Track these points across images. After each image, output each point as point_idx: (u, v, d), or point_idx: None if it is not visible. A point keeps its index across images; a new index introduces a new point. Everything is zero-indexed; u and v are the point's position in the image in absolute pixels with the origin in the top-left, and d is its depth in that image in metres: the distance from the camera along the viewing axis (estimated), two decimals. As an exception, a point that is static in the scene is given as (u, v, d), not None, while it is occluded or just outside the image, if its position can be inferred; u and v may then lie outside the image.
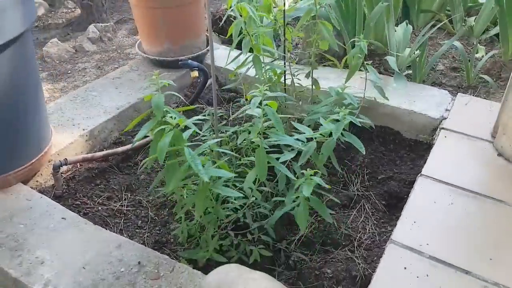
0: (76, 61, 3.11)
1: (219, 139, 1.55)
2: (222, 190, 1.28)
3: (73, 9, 4.05)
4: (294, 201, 1.46)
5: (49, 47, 3.17)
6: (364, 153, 1.55)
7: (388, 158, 2.04)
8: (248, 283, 1.02)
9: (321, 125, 1.90)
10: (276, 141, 1.46)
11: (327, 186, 1.45)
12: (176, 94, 1.40)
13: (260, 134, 1.42)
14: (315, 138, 1.59)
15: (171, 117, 1.21)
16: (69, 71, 2.95)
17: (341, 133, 1.51)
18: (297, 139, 1.50)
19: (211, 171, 1.22)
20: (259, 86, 1.39)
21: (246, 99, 2.15)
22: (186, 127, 1.30)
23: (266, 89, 1.33)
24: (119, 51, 3.27)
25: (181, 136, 1.17)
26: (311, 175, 1.35)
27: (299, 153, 1.68)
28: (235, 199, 1.51)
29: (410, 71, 2.37)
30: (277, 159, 1.46)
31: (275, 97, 1.40)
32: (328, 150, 1.54)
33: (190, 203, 1.33)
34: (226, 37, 2.33)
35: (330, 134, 1.58)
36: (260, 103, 1.34)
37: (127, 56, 3.16)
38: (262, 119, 1.34)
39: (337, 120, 1.55)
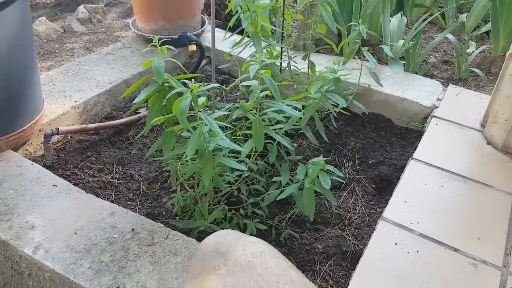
0: (64, 41, 3.05)
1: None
2: (225, 161, 1.28)
3: (63, -11, 3.98)
4: (295, 182, 1.47)
5: (37, 25, 3.10)
6: (345, 105, 1.62)
7: (379, 144, 2.07)
8: (247, 245, 1.02)
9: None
10: (271, 111, 1.46)
11: (341, 175, 1.45)
12: (176, 61, 1.39)
13: (256, 106, 1.42)
14: (303, 107, 1.62)
15: (186, 88, 1.19)
16: (57, 51, 2.90)
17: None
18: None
19: (219, 141, 1.21)
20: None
21: (241, 80, 2.16)
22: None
23: (263, 57, 1.33)
24: (108, 33, 3.22)
25: (197, 101, 1.16)
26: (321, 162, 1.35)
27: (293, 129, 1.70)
28: (231, 172, 1.51)
29: (403, 62, 2.40)
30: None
31: (271, 65, 1.40)
32: (310, 110, 1.56)
33: (191, 171, 1.32)
34: (225, 13, 2.31)
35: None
36: (257, 72, 1.34)
37: (116, 38, 3.12)
38: (259, 88, 1.34)
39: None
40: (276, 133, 1.50)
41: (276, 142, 1.63)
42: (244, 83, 1.43)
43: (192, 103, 1.15)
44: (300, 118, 1.60)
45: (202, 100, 1.15)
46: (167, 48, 1.34)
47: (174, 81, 1.28)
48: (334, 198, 1.49)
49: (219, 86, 2.24)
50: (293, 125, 1.64)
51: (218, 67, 2.28)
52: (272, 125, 1.70)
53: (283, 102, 1.44)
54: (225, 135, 1.70)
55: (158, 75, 1.23)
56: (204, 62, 2.44)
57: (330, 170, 1.40)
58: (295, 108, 1.60)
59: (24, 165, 1.60)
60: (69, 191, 1.51)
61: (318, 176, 1.36)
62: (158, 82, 1.24)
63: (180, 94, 1.24)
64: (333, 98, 1.55)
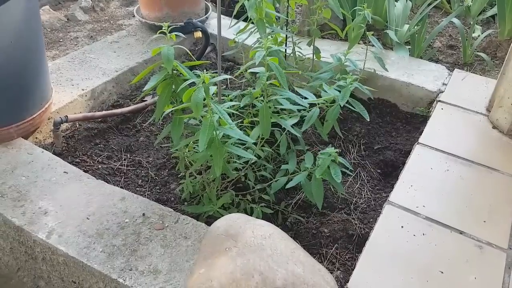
0: (68, 30, 3.05)
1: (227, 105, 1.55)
2: (233, 149, 1.29)
3: (65, -22, 3.97)
4: (302, 170, 1.48)
5: (41, 15, 3.09)
6: (368, 119, 1.58)
7: (385, 130, 2.08)
8: (256, 228, 1.05)
9: (321, 94, 1.93)
10: (278, 103, 1.47)
11: (351, 169, 1.46)
12: (183, 47, 1.40)
13: (263, 93, 1.43)
14: (318, 104, 1.61)
15: (202, 72, 1.21)
16: (61, 40, 2.90)
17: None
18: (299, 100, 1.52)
19: (228, 131, 1.23)
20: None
21: (246, 68, 2.17)
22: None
23: (270, 43, 1.34)
24: (111, 21, 3.22)
25: (208, 91, 1.18)
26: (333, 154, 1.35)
27: (300, 119, 1.70)
28: (238, 158, 1.53)
29: (408, 47, 2.40)
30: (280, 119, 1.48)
31: (277, 52, 1.41)
32: (333, 118, 1.56)
33: (202, 160, 1.34)
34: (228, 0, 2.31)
35: (333, 101, 1.60)
36: (263, 58, 1.35)
37: (120, 27, 3.12)
38: (266, 74, 1.35)
39: (341, 86, 1.57)
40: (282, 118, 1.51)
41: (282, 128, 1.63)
42: (250, 70, 1.44)
43: (204, 93, 1.17)
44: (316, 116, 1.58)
45: (212, 90, 1.17)
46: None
47: (184, 69, 1.29)
48: (342, 188, 1.50)
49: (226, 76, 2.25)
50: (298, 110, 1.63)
51: (222, 54, 2.29)
52: (278, 112, 1.71)
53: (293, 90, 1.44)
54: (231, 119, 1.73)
55: (168, 62, 1.24)
56: (208, 49, 2.45)
57: (341, 163, 1.41)
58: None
59: (35, 152, 1.63)
60: (80, 178, 1.54)
61: (328, 168, 1.37)
62: (168, 69, 1.25)
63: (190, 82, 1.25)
64: (357, 108, 1.55)
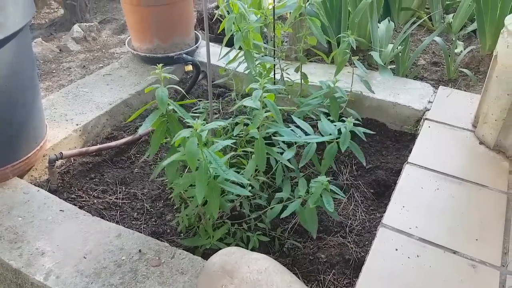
0: (61, 61, 3.09)
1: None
2: (229, 187, 1.32)
3: (56, 9, 4.02)
4: (296, 197, 1.50)
5: (33, 47, 3.14)
6: (365, 165, 1.61)
7: (375, 149, 2.11)
8: (252, 262, 1.06)
9: (311, 118, 1.97)
10: (276, 134, 1.50)
11: (343, 196, 1.49)
12: (176, 87, 1.44)
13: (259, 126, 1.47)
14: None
15: (197, 109, 1.23)
16: (54, 71, 2.94)
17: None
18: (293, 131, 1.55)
19: (228, 173, 1.25)
20: (252, 79, 1.44)
21: (237, 94, 2.21)
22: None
23: (266, 82, 1.38)
24: (103, 50, 3.26)
25: (201, 139, 1.20)
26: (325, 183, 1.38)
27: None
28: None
29: (393, 66, 2.45)
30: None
31: (273, 90, 1.45)
32: (331, 157, 1.59)
33: (200, 198, 1.36)
34: (218, 31, 2.37)
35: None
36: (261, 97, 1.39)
37: (112, 55, 3.16)
38: (262, 112, 1.38)
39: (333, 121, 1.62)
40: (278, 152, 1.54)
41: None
42: (246, 103, 1.47)
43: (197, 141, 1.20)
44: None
45: (204, 134, 1.19)
46: (163, 65, 1.39)
47: (178, 108, 1.32)
48: (337, 215, 1.52)
49: (217, 105, 2.29)
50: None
51: (214, 82, 2.33)
52: (271, 138, 1.74)
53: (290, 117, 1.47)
54: (226, 149, 1.76)
55: (162, 103, 1.28)
56: (200, 76, 2.49)
57: (333, 190, 1.43)
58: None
59: (31, 191, 1.64)
60: (76, 215, 1.55)
61: (321, 196, 1.40)
62: (162, 110, 1.28)
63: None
64: (355, 151, 1.59)
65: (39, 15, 3.91)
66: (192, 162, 1.16)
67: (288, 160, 1.58)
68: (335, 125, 1.59)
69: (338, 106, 1.81)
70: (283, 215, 1.53)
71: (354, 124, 1.58)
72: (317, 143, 1.60)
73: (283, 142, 1.74)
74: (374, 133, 2.16)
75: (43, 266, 1.36)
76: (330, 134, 1.57)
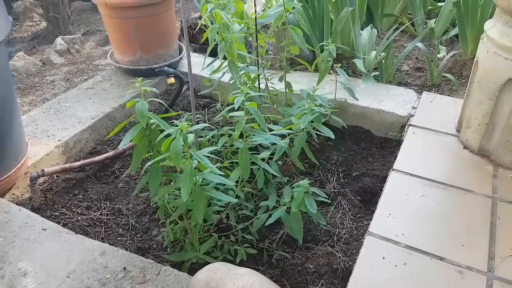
0: (44, 74, 3.06)
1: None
2: (215, 194, 1.31)
3: (39, 22, 3.99)
4: (281, 205, 1.51)
5: (16, 61, 3.10)
6: (333, 137, 1.65)
7: (361, 156, 2.12)
8: (237, 278, 1.05)
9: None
10: (256, 141, 1.50)
11: (327, 199, 1.49)
12: (159, 100, 1.43)
13: (242, 134, 1.46)
14: (288, 134, 1.66)
15: (179, 121, 1.23)
16: (37, 84, 2.90)
17: (311, 126, 1.58)
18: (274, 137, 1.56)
19: (209, 176, 1.24)
20: (237, 89, 1.43)
21: (222, 104, 2.20)
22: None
23: (249, 89, 1.37)
24: (87, 62, 3.24)
25: (187, 140, 1.19)
26: (305, 186, 1.39)
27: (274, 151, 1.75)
28: (219, 201, 1.54)
29: (377, 73, 2.47)
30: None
31: (256, 97, 1.45)
32: (300, 142, 1.61)
33: (183, 207, 1.35)
34: (202, 41, 2.37)
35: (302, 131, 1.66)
36: (242, 103, 1.38)
37: (96, 67, 3.14)
38: (245, 118, 1.38)
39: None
40: (262, 159, 1.54)
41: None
42: (230, 114, 1.46)
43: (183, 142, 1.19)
44: (286, 146, 1.65)
45: (191, 137, 1.19)
46: (145, 79, 1.38)
47: (159, 121, 1.31)
48: (323, 219, 1.52)
49: (202, 116, 2.28)
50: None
51: (198, 93, 2.32)
52: (254, 147, 1.74)
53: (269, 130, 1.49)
54: (212, 162, 1.75)
55: (142, 118, 1.26)
56: (185, 87, 2.48)
57: (315, 193, 1.43)
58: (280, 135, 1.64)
59: (12, 210, 1.61)
60: (59, 234, 1.52)
61: (303, 199, 1.40)
62: (142, 124, 1.27)
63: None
64: (322, 130, 1.61)
65: (21, 28, 3.87)
66: (177, 161, 1.15)
67: (269, 164, 1.59)
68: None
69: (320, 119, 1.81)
70: (267, 223, 1.52)
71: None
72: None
73: (266, 149, 1.76)
74: (351, 124, 2.19)
75: (25, 287, 1.33)
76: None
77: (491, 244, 1.45)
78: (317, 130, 1.68)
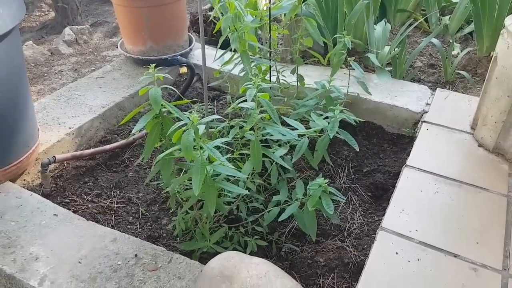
0: (52, 64, 3.05)
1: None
2: (226, 186, 1.29)
3: (47, 12, 3.98)
4: (293, 199, 1.48)
5: (24, 50, 3.09)
6: (358, 149, 1.61)
7: (372, 152, 2.10)
8: (251, 267, 1.04)
9: (307, 120, 1.95)
10: (268, 134, 1.48)
11: (342, 198, 1.47)
12: (170, 87, 1.41)
13: (254, 126, 1.44)
14: (307, 134, 1.63)
15: (190, 112, 1.21)
16: (45, 74, 2.90)
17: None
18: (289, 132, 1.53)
19: (221, 168, 1.23)
20: (249, 80, 1.41)
21: (232, 97, 2.18)
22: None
23: (260, 81, 1.36)
24: (95, 53, 3.23)
25: (198, 131, 1.18)
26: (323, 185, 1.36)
27: (290, 147, 1.72)
28: (229, 192, 1.53)
29: (390, 68, 2.44)
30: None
31: (267, 89, 1.43)
32: (323, 148, 1.58)
33: (195, 197, 1.33)
34: (214, 32, 2.34)
35: (321, 131, 1.62)
36: (255, 96, 1.37)
37: (104, 58, 3.13)
38: (257, 111, 1.36)
39: (326, 117, 1.60)
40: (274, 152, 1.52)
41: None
42: (241, 105, 1.45)
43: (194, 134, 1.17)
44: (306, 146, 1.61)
45: (202, 128, 1.17)
46: (157, 67, 1.36)
47: (173, 109, 1.29)
48: (337, 218, 1.50)
49: (211, 108, 2.26)
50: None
51: (208, 85, 2.30)
52: (266, 141, 1.72)
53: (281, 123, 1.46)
54: (222, 153, 1.73)
55: (156, 104, 1.25)
56: (195, 79, 2.47)
57: (332, 192, 1.41)
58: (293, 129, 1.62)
59: (24, 196, 1.61)
60: (70, 220, 1.52)
61: (320, 198, 1.37)
62: (156, 110, 1.25)
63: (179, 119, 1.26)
64: (349, 141, 1.58)
65: (30, 18, 3.87)
66: (188, 154, 1.14)
67: (283, 159, 1.56)
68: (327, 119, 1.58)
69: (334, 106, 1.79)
70: (280, 218, 1.50)
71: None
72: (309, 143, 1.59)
73: (276, 142, 1.73)
74: (362, 120, 2.15)
75: (37, 271, 1.33)
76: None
77: (506, 243, 1.43)
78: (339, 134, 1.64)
